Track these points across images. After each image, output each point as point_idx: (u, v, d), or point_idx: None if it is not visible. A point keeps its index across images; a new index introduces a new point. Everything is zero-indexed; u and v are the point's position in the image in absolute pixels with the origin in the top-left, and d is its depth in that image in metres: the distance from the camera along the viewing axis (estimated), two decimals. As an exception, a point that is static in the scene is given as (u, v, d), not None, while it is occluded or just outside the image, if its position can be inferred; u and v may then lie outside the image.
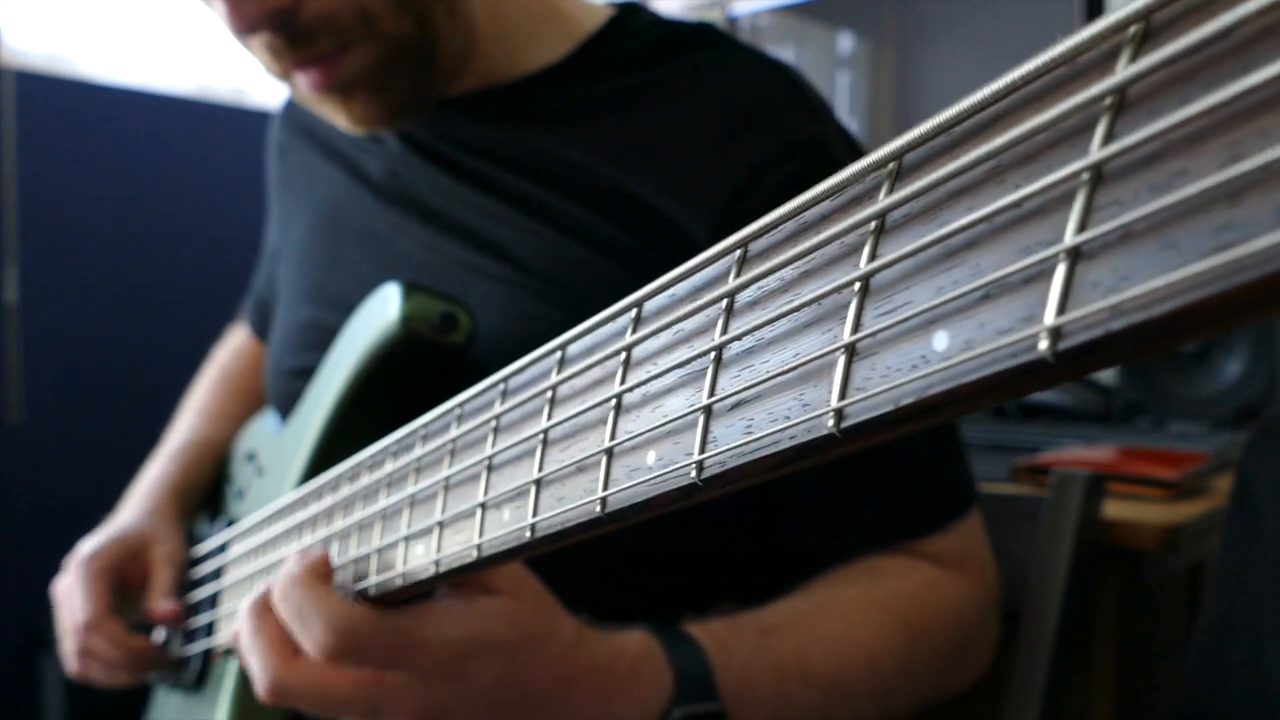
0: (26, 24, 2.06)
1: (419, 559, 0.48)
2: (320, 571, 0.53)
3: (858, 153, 0.72)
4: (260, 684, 0.52)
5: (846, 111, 1.74)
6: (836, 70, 1.70)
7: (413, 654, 0.50)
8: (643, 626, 0.58)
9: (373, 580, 0.51)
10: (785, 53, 1.74)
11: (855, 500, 0.69)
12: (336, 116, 0.73)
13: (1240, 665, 0.71)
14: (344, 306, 0.74)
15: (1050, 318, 0.19)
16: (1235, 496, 0.75)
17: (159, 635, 0.84)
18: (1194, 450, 1.13)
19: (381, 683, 0.50)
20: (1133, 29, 0.19)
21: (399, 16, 0.67)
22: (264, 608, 0.54)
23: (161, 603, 0.80)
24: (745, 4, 1.69)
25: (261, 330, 0.99)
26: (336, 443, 0.72)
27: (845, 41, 1.70)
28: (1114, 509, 0.91)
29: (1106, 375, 1.62)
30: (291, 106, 0.92)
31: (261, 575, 0.67)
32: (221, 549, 0.78)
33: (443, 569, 0.46)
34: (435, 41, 0.70)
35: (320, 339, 0.78)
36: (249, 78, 2.36)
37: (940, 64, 1.59)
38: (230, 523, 0.84)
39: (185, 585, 0.84)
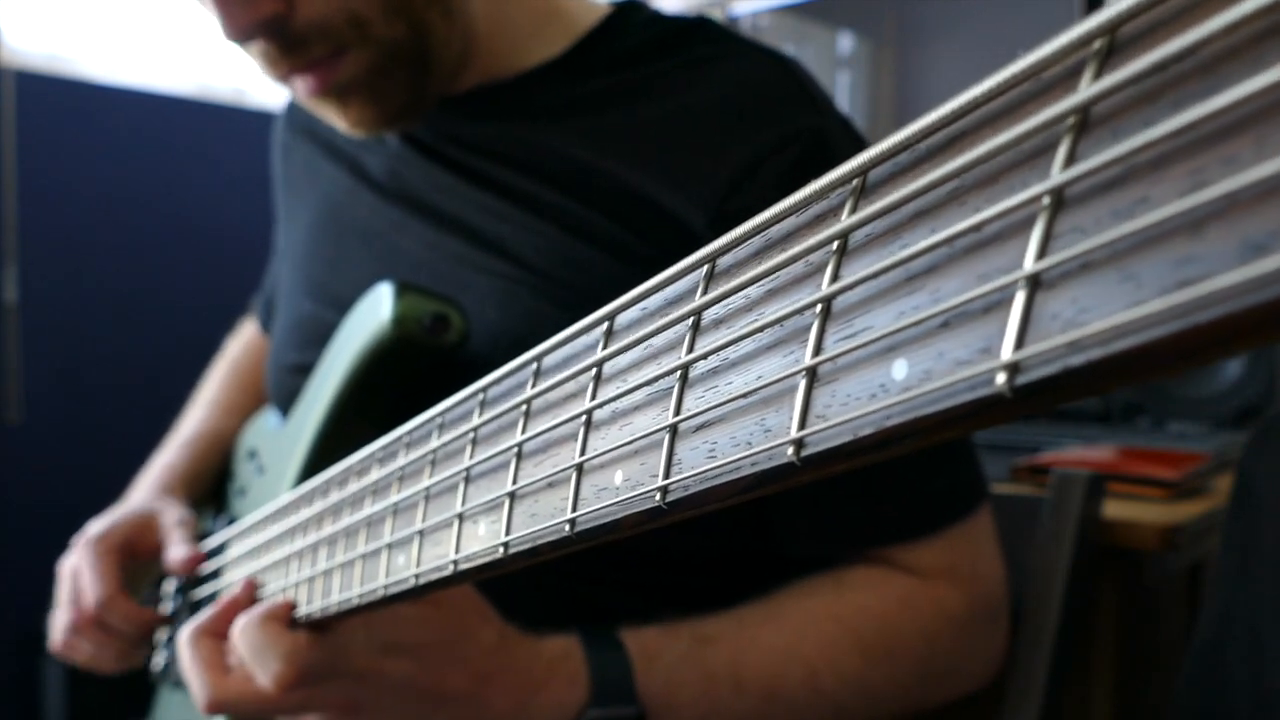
0: (26, 24, 2.06)
1: (400, 570, 0.48)
2: (279, 615, 0.58)
3: (860, 145, 0.71)
4: (200, 700, 0.59)
5: (846, 112, 1.73)
6: (836, 70, 1.69)
7: (340, 662, 0.56)
8: (574, 630, 0.62)
9: (355, 591, 0.51)
10: (785, 53, 1.73)
11: (840, 501, 0.68)
12: (335, 120, 0.73)
13: (1240, 665, 0.70)
14: (344, 304, 0.74)
15: (1008, 351, 0.18)
16: (1235, 496, 0.74)
17: (166, 608, 0.84)
18: (1194, 450, 1.12)
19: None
20: (1098, 43, 0.18)
21: (392, 22, 0.67)
22: (199, 635, 0.61)
23: (176, 549, 0.80)
24: (745, 4, 1.68)
25: (269, 327, 0.99)
26: (333, 443, 0.72)
27: (845, 41, 1.69)
28: (1114, 509, 0.91)
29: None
30: (294, 106, 0.93)
31: (257, 578, 0.67)
32: (220, 549, 0.78)
33: (421, 581, 0.46)
34: (431, 44, 0.69)
35: (319, 336, 0.78)
36: (249, 78, 2.35)
37: (940, 64, 1.58)
38: (232, 520, 0.84)
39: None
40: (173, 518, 0.83)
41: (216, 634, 0.61)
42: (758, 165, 0.66)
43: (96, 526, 0.82)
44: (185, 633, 0.61)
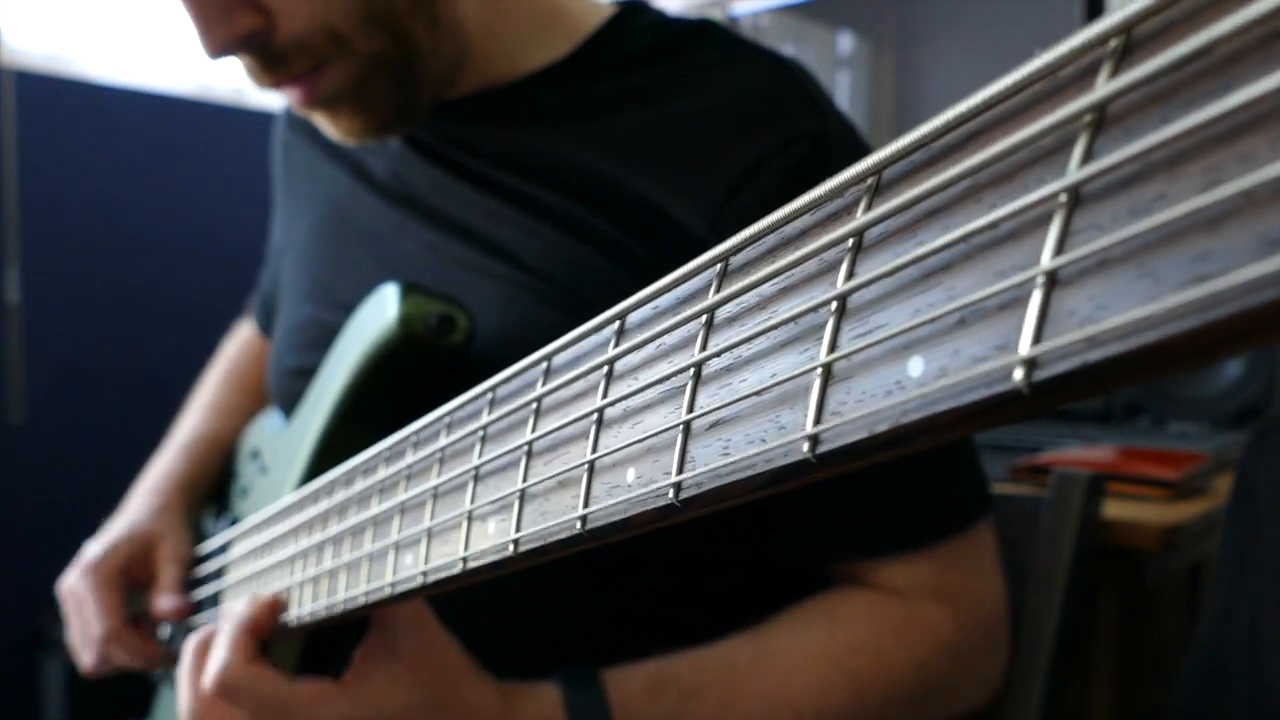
0: (26, 24, 2.06)
1: (407, 569, 0.48)
2: (254, 628, 0.59)
3: (862, 148, 0.71)
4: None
5: (846, 112, 1.73)
6: (836, 70, 1.69)
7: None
8: (559, 683, 0.61)
9: (361, 589, 0.51)
10: (785, 53, 1.73)
11: (829, 513, 0.67)
12: (326, 128, 0.73)
13: (1240, 665, 0.70)
14: (345, 306, 0.74)
15: (1025, 347, 0.18)
16: (1235, 496, 0.74)
17: (164, 632, 0.84)
18: (1194, 450, 1.12)
19: None
20: (1113, 42, 0.18)
21: (371, 35, 0.67)
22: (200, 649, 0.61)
23: (165, 599, 0.80)
24: (745, 4, 1.68)
25: (267, 328, 0.99)
26: (337, 444, 0.72)
27: (845, 41, 1.69)
28: (1114, 509, 0.91)
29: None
30: None
31: (260, 577, 0.67)
32: (223, 548, 0.78)
33: (430, 580, 0.46)
34: (416, 54, 0.69)
35: (322, 338, 0.77)
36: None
37: (940, 64, 1.59)
38: (234, 521, 0.84)
39: (189, 582, 0.84)
40: (168, 550, 0.83)
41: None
42: (758, 168, 0.65)
43: (95, 550, 0.82)
44: (191, 642, 0.61)
